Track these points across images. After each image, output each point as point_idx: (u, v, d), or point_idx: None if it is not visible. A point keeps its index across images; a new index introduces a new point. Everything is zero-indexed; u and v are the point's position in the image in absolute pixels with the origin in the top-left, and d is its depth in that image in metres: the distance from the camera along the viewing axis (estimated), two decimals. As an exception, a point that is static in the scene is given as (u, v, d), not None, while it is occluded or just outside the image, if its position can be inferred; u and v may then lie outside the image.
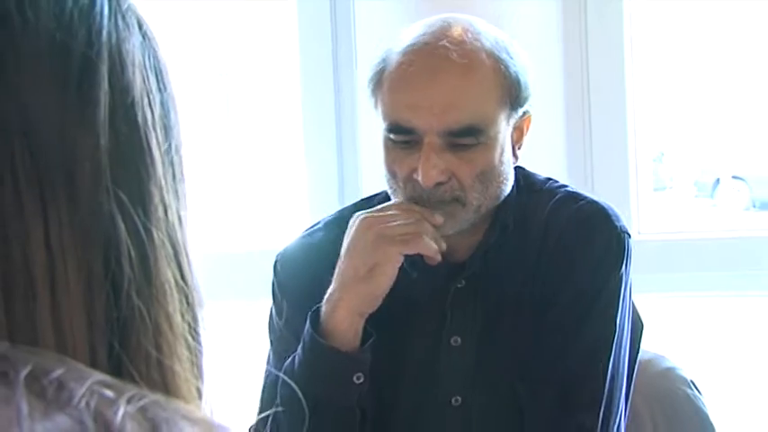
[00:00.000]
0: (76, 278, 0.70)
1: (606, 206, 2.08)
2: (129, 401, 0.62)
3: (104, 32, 0.74)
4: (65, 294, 0.69)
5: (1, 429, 0.58)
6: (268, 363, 2.14)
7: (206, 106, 3.53)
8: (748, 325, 5.88)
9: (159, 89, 0.78)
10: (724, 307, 5.05)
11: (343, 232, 2.01)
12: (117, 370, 0.71)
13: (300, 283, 2.10)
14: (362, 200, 2.22)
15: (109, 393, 0.62)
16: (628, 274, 2.04)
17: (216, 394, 0.81)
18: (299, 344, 1.99)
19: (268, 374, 2.11)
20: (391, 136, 1.94)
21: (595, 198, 2.10)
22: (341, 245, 1.99)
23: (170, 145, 0.78)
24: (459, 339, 2.02)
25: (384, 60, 1.97)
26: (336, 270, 1.94)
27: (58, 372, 0.63)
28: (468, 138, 1.90)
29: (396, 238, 1.89)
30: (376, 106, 1.99)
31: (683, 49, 4.08)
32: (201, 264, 0.82)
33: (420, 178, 1.90)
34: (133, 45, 0.76)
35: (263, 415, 1.99)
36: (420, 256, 1.96)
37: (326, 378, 1.92)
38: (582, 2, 2.89)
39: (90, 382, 0.62)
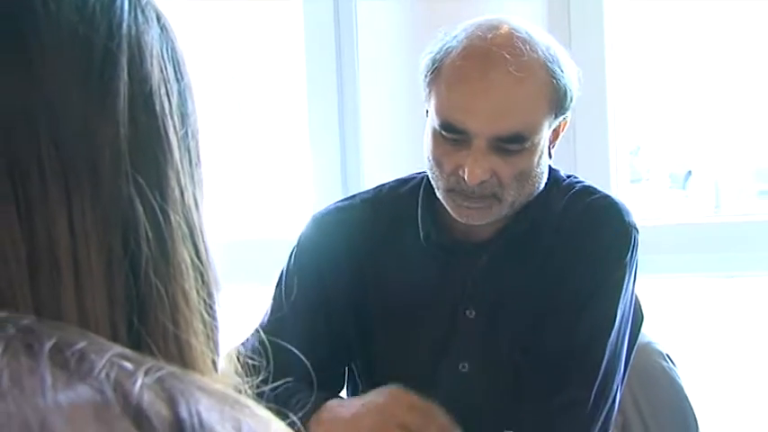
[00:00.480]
0: (98, 259, 0.70)
1: (618, 201, 2.11)
2: (146, 373, 0.62)
3: (124, 25, 0.74)
4: (87, 275, 0.69)
5: (26, 398, 0.58)
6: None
7: (218, 104, 3.52)
8: (719, 302, 5.97)
9: (177, 79, 0.78)
10: (697, 286, 5.07)
11: (376, 213, 2.14)
12: (137, 344, 0.70)
13: (319, 254, 2.15)
14: (397, 180, 2.23)
15: (128, 365, 0.62)
16: (633, 267, 2.05)
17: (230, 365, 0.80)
18: (289, 298, 2.10)
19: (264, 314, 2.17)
20: (443, 132, 1.95)
21: (609, 194, 2.13)
22: (369, 227, 2.12)
23: (186, 132, 0.78)
24: (473, 312, 2.06)
25: (442, 55, 1.97)
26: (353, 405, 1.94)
27: (81, 344, 0.62)
28: (515, 144, 1.93)
29: None
30: (428, 98, 2.00)
31: (659, 50, 4.07)
32: (217, 247, 0.81)
33: (466, 176, 1.92)
34: (152, 37, 0.76)
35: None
36: (446, 237, 2.05)
37: None
38: (566, 4, 2.88)
39: (110, 355, 0.62)
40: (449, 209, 2.02)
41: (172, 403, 0.60)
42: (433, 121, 1.98)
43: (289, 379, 1.82)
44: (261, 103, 3.58)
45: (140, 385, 0.60)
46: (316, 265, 2.15)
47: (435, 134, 1.98)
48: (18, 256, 0.67)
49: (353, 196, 2.27)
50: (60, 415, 0.57)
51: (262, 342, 2.09)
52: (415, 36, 2.06)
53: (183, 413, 0.60)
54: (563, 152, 2.80)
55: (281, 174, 3.57)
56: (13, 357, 0.60)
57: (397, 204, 2.17)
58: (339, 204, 2.24)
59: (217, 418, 0.61)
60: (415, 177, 2.18)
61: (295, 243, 2.20)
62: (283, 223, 3.23)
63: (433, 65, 1.98)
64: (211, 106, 3.46)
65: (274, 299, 2.17)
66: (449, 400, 2.00)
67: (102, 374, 0.60)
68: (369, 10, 2.94)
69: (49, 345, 0.61)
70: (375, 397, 1.92)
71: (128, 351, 0.64)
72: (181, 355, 0.73)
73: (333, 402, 1.96)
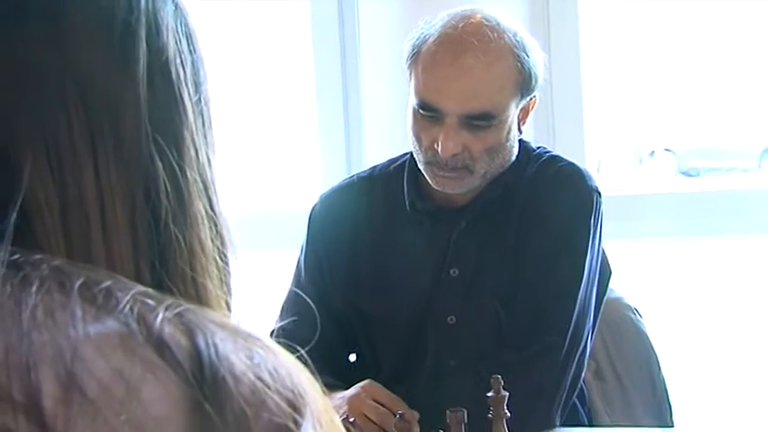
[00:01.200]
0: (122, 210, 0.70)
1: (582, 168, 2.13)
2: (167, 309, 0.62)
3: (142, 2, 0.73)
4: (113, 224, 0.69)
5: (59, 330, 0.58)
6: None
7: (236, 92, 3.51)
8: (681, 263, 6.03)
9: (190, 51, 0.77)
10: (660, 249, 5.11)
11: (369, 190, 2.17)
12: (158, 286, 0.69)
13: (323, 228, 2.19)
14: (388, 161, 2.25)
15: (150, 302, 0.62)
16: (597, 226, 2.06)
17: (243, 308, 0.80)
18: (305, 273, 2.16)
19: (288, 290, 2.21)
20: (420, 110, 1.97)
21: (573, 161, 2.14)
22: (364, 202, 2.17)
23: (199, 97, 0.77)
24: (456, 271, 2.06)
25: (420, 43, 1.99)
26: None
27: (107, 283, 0.62)
28: (483, 121, 1.95)
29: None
30: (409, 80, 2.02)
31: (630, 46, 4.07)
32: (230, 208, 0.81)
33: (439, 150, 1.95)
34: (167, 13, 0.75)
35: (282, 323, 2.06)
36: (429, 204, 2.07)
37: None
38: (545, 3, 2.88)
39: (133, 292, 0.62)
40: (429, 179, 2.04)
41: (190, 335, 0.61)
42: (412, 101, 2.00)
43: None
44: (274, 90, 3.57)
45: (162, 319, 0.61)
46: (320, 242, 2.19)
47: (414, 112, 2.00)
48: (51, 209, 0.67)
49: (352, 176, 2.30)
50: (90, 344, 0.58)
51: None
52: (409, 27, 2.04)
53: (201, 344, 0.60)
54: (541, 137, 2.83)
55: (292, 152, 3.56)
56: (47, 293, 0.60)
57: (387, 180, 2.18)
58: (341, 184, 2.28)
59: (231, 347, 0.61)
60: (402, 157, 2.19)
61: (309, 215, 2.23)
62: (295, 195, 3.22)
63: (412, 50, 2.01)
64: (230, 93, 3.46)
65: (295, 271, 2.23)
66: (440, 348, 2.05)
67: (127, 309, 0.60)
68: (370, 3, 2.95)
69: (78, 282, 0.61)
70: (352, 390, 1.96)
71: (150, 290, 0.64)
72: (198, 296, 0.73)
73: (331, 393, 1.97)
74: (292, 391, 0.62)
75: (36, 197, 0.67)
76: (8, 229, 0.63)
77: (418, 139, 2.01)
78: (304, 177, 3.30)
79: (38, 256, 0.63)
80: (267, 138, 3.68)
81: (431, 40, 1.98)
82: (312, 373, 0.66)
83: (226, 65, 3.46)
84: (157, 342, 0.59)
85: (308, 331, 2.09)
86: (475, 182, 2.03)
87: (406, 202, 2.11)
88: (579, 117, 2.92)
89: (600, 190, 2.09)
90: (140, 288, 0.64)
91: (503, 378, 1.77)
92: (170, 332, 0.60)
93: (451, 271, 2.07)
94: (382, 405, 1.93)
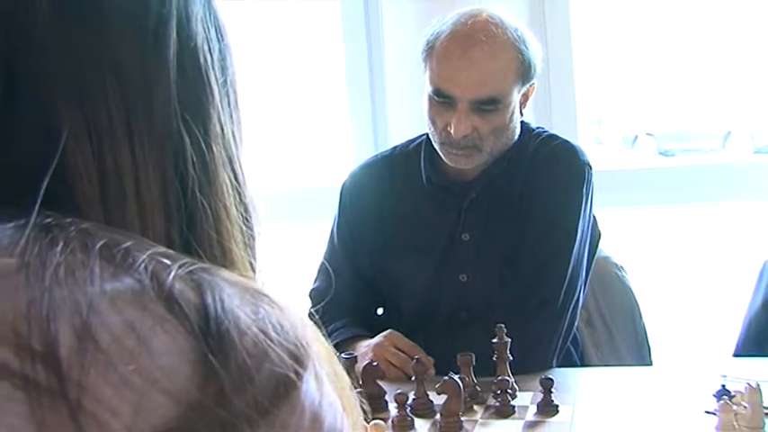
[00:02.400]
0: (155, 180, 0.66)
1: (576, 145, 2.10)
2: (180, 267, 0.58)
3: None
4: (146, 193, 0.65)
5: (78, 286, 0.54)
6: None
7: (276, 85, 3.47)
8: (660, 227, 6.10)
9: (218, 39, 0.73)
10: (643, 216, 5.17)
11: (391, 168, 2.15)
12: (186, 249, 0.66)
13: (352, 201, 2.18)
14: (406, 141, 2.22)
15: (166, 261, 0.58)
16: (588, 195, 2.03)
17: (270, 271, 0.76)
18: (337, 240, 2.17)
19: (323, 255, 2.23)
20: (435, 97, 1.95)
21: (568, 139, 2.11)
22: (387, 177, 2.14)
23: (226, 80, 0.73)
24: (468, 236, 2.04)
25: (433, 38, 1.96)
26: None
27: (127, 244, 0.59)
28: (490, 105, 1.93)
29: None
30: (425, 71, 1.99)
31: (617, 40, 3.96)
32: (264, 184, 0.76)
33: (452, 131, 1.93)
34: (197, 5, 0.72)
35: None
36: (443, 178, 2.06)
37: None
38: (541, 2, 2.82)
39: (150, 252, 0.59)
40: (443, 156, 2.02)
41: (199, 290, 0.57)
42: (427, 89, 1.98)
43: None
44: (310, 81, 3.54)
45: (173, 276, 0.57)
46: (350, 212, 2.18)
47: (429, 99, 1.97)
48: (91, 180, 0.63)
49: (376, 155, 2.28)
50: (105, 298, 0.54)
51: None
52: (427, 23, 1.99)
53: (208, 299, 0.56)
54: (542, 115, 2.75)
55: (327, 135, 3.52)
56: (71, 253, 0.56)
57: (407, 158, 2.16)
58: (367, 162, 2.25)
59: (237, 303, 0.57)
60: (419, 137, 2.16)
61: (340, 189, 2.23)
62: (331, 173, 3.17)
63: (427, 45, 1.99)
64: (271, 84, 3.42)
65: (328, 238, 2.22)
66: (453, 303, 2.03)
67: (142, 267, 0.57)
68: (392, 2, 2.90)
69: (100, 243, 0.58)
70: (376, 339, 1.96)
71: (169, 251, 0.61)
72: (224, 258, 0.69)
73: (359, 341, 1.99)
74: (295, 344, 0.57)
75: (77, 170, 0.63)
76: (39, 196, 0.60)
77: (433, 122, 1.98)
78: (337, 157, 3.23)
79: (68, 220, 0.60)
80: (305, 123, 3.65)
81: (443, 35, 1.94)
82: (320, 327, 0.63)
83: (269, 59, 3.41)
84: (168, 297, 0.56)
85: (341, 290, 2.12)
86: (483, 158, 1.99)
87: (423, 177, 2.09)
88: (572, 101, 2.86)
89: (591, 164, 2.06)
90: (159, 249, 0.60)
91: (507, 327, 1.78)
92: (180, 288, 0.56)
93: (463, 236, 2.03)
94: (402, 351, 1.91)
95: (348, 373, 1.77)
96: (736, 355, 2.14)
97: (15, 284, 0.54)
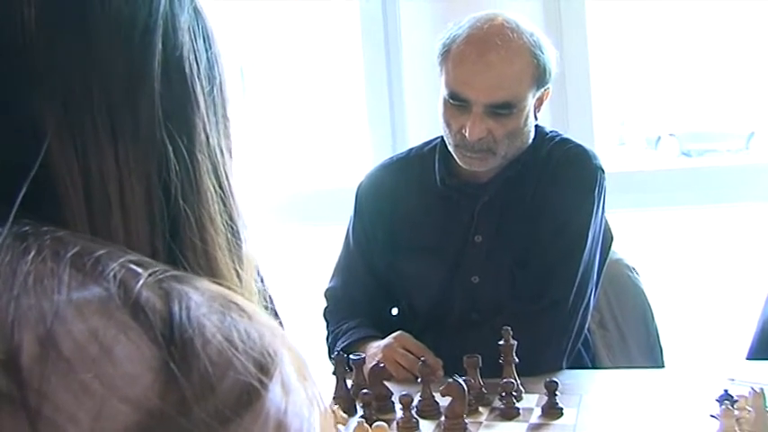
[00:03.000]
0: (139, 188, 0.66)
1: (589, 149, 2.09)
2: (150, 275, 0.58)
3: (161, 8, 0.70)
4: (131, 200, 0.66)
5: (45, 294, 0.55)
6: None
7: (296, 90, 3.48)
8: (678, 228, 6.00)
9: (205, 48, 0.73)
10: (665, 216, 5.12)
11: (406, 170, 2.14)
12: (172, 257, 0.67)
13: (368, 201, 2.17)
14: (422, 144, 2.22)
15: (136, 268, 0.58)
16: (600, 198, 2.02)
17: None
18: (352, 240, 2.17)
19: (338, 255, 2.24)
20: (450, 100, 1.94)
21: (581, 143, 2.10)
22: (402, 179, 2.14)
23: (212, 89, 0.73)
24: (480, 237, 2.03)
25: (449, 42, 1.95)
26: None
27: (99, 252, 0.59)
28: (504, 110, 1.92)
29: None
30: (440, 74, 1.98)
31: (637, 42, 3.94)
32: (245, 184, 0.77)
33: (467, 135, 1.92)
34: (184, 15, 0.72)
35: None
36: (457, 181, 2.05)
37: None
38: (557, 5, 2.80)
39: (123, 260, 0.59)
40: (457, 159, 2.01)
41: (167, 299, 0.57)
42: (443, 92, 1.98)
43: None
44: (329, 86, 3.55)
45: (142, 284, 0.57)
46: (365, 213, 2.17)
47: (445, 102, 1.97)
48: (76, 188, 0.64)
49: (392, 157, 2.28)
50: (71, 307, 0.55)
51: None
52: (443, 25, 1.99)
53: (175, 307, 0.56)
54: (558, 120, 2.74)
55: (345, 138, 3.53)
56: (42, 261, 0.57)
57: (422, 161, 2.15)
58: (383, 163, 2.25)
59: (204, 311, 0.57)
60: (434, 140, 2.16)
61: (356, 190, 2.22)
62: (348, 175, 3.18)
63: (443, 48, 1.98)
64: (292, 89, 3.43)
65: (344, 238, 2.23)
66: (465, 304, 2.03)
67: (111, 275, 0.57)
68: (409, 5, 2.89)
69: (72, 252, 0.58)
70: (386, 340, 1.95)
71: (145, 259, 0.61)
72: (209, 266, 0.69)
73: (370, 342, 1.99)
74: (261, 353, 0.57)
75: (61, 176, 0.64)
76: (14, 206, 0.60)
77: (448, 124, 1.97)
78: (356, 159, 3.24)
79: (45, 228, 0.60)
80: (324, 125, 3.65)
81: (459, 39, 1.94)
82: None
83: (288, 61, 3.42)
84: (134, 305, 0.56)
85: (355, 290, 2.12)
86: (497, 161, 1.99)
87: (437, 179, 2.08)
88: (588, 103, 2.83)
89: (603, 168, 2.05)
90: (133, 257, 0.60)
91: (517, 328, 1.78)
92: (147, 296, 0.56)
93: (476, 238, 2.03)
94: (410, 352, 1.91)
95: (357, 375, 1.80)
96: (749, 358, 2.13)
97: None
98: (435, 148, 2.12)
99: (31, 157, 0.63)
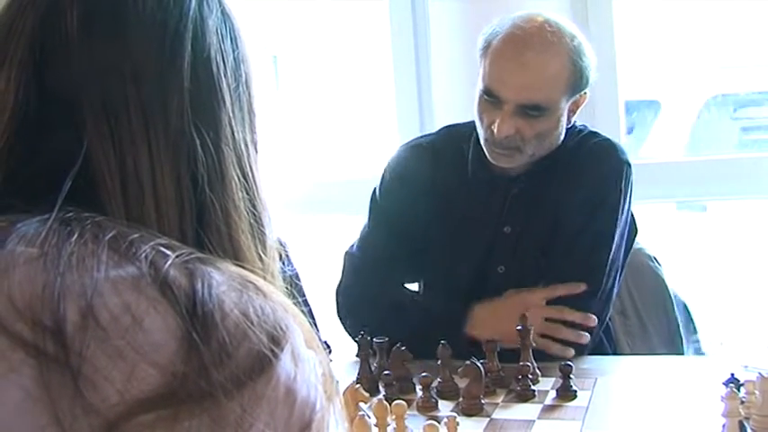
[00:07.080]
0: (170, 179, 0.72)
1: (616, 143, 2.09)
2: (178, 256, 0.65)
3: (191, 12, 0.76)
4: (162, 190, 0.72)
5: (87, 272, 0.62)
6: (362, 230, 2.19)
7: (330, 85, 3.50)
8: (704, 219, 5.98)
9: (232, 49, 0.79)
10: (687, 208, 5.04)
11: (436, 156, 2.11)
12: (199, 240, 0.73)
13: (394, 181, 2.13)
14: (450, 125, 2.21)
15: (165, 251, 0.65)
16: (627, 192, 2.02)
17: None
18: (371, 220, 2.14)
19: (353, 245, 2.18)
20: (484, 95, 1.94)
21: (609, 137, 2.10)
22: (432, 165, 2.09)
23: (238, 87, 0.79)
24: (509, 228, 2.04)
25: (491, 38, 1.95)
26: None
27: (133, 236, 0.66)
28: (535, 111, 1.92)
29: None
30: (479, 66, 1.98)
31: (660, 39, 3.92)
32: (272, 177, 0.83)
33: (495, 131, 1.92)
34: (212, 19, 0.78)
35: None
36: (488, 174, 2.03)
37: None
38: (584, 2, 2.79)
39: (153, 243, 0.66)
40: (486, 152, 2.01)
41: (191, 277, 0.64)
42: (479, 85, 1.97)
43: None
44: (360, 80, 3.56)
45: (170, 264, 0.64)
46: (396, 190, 2.13)
47: (480, 96, 1.97)
48: (113, 179, 0.71)
49: (419, 138, 2.24)
50: (108, 283, 0.62)
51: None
52: (470, 22, 2.01)
53: (198, 285, 0.63)
54: (585, 113, 2.74)
55: (374, 129, 3.54)
56: (84, 243, 0.64)
57: (454, 146, 2.12)
58: (412, 143, 2.20)
59: (224, 289, 0.64)
60: (468, 123, 2.09)
61: (385, 166, 2.18)
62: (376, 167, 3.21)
63: (484, 43, 1.98)
64: (326, 84, 3.45)
65: (369, 211, 2.18)
66: (491, 292, 2.01)
67: (143, 256, 0.64)
68: (439, 7, 2.90)
69: (110, 235, 0.65)
70: (502, 300, 1.95)
71: (174, 242, 0.68)
72: (232, 249, 0.75)
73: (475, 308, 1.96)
74: (274, 327, 0.64)
75: (101, 171, 0.71)
76: (62, 194, 0.68)
77: (480, 118, 1.98)
78: (384, 151, 3.27)
79: (86, 214, 0.67)
80: (354, 119, 3.67)
81: (499, 36, 1.93)
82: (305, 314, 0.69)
83: (321, 58, 3.44)
84: (162, 283, 0.62)
85: (381, 262, 2.09)
86: (523, 159, 1.99)
87: (469, 170, 2.08)
88: (614, 96, 2.81)
89: (630, 162, 2.04)
90: (163, 240, 0.67)
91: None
92: (174, 275, 0.63)
93: (505, 229, 2.04)
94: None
95: (380, 357, 1.81)
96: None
97: (35, 270, 0.62)
98: (469, 138, 2.09)
99: (75, 152, 0.70)
